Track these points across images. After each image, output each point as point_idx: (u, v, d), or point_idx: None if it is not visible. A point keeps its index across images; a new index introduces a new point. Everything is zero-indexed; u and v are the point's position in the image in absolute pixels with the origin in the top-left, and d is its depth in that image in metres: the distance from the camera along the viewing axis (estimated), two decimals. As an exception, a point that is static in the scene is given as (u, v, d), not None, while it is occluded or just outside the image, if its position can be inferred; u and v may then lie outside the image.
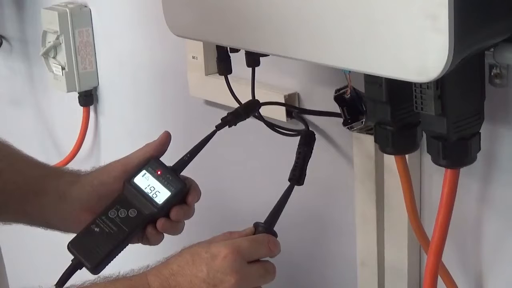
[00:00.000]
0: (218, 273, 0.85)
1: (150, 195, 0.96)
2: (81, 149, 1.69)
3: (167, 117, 1.46)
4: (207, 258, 0.86)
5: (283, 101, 1.16)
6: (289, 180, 0.97)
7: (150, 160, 0.99)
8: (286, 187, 0.96)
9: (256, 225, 0.93)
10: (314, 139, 1.02)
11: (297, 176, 0.97)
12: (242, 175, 1.34)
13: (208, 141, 1.00)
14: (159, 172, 0.97)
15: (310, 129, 1.07)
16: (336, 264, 1.21)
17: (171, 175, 0.97)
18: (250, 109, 1.06)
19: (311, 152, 1.00)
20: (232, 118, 1.03)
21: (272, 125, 1.15)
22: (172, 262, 0.88)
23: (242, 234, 0.91)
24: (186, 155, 1.00)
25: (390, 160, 1.00)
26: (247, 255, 0.88)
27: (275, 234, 0.93)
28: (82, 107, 1.65)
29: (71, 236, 0.98)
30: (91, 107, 1.66)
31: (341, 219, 1.18)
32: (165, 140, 1.01)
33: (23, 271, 1.48)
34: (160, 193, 0.96)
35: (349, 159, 1.13)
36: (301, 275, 1.29)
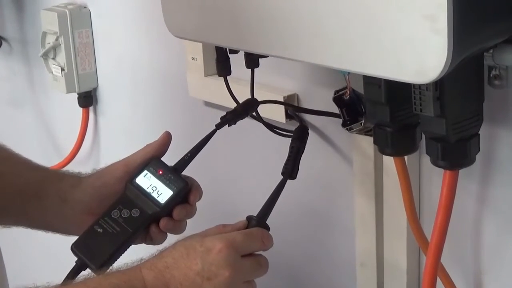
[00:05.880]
0: (212, 266, 0.86)
1: (153, 194, 0.97)
2: (80, 150, 1.69)
3: (166, 118, 1.46)
4: (202, 251, 0.87)
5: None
6: (282, 174, 0.98)
7: (151, 160, 0.99)
8: (279, 181, 0.96)
9: (249, 218, 0.94)
10: (307, 133, 1.03)
11: (290, 170, 0.98)
12: (243, 175, 1.34)
13: (208, 140, 1.01)
14: (160, 172, 0.98)
15: (309, 130, 1.07)
16: (335, 264, 1.21)
17: (173, 175, 0.97)
18: (249, 107, 1.06)
19: (304, 147, 1.01)
20: (232, 117, 1.03)
21: (272, 126, 1.15)
22: (167, 255, 0.88)
23: (235, 227, 0.92)
24: (186, 154, 1.00)
25: (389, 162, 1.00)
26: (241, 249, 0.88)
27: (267, 228, 0.93)
28: (81, 108, 1.65)
29: (73, 238, 0.98)
30: (91, 108, 1.66)
31: (340, 220, 1.18)
32: (166, 140, 1.01)
33: (25, 274, 1.48)
34: (163, 193, 0.97)
35: (348, 161, 1.13)
36: (300, 276, 1.29)
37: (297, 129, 1.04)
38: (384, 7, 0.72)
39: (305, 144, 1.01)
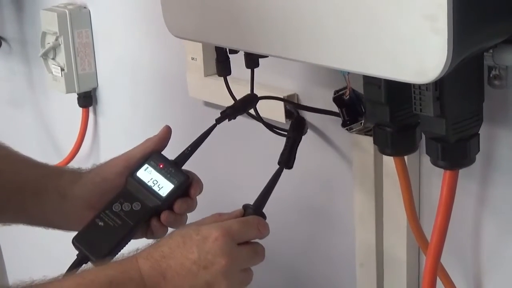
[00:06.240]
0: (208, 255, 0.86)
1: (154, 188, 0.97)
2: (80, 150, 1.69)
3: (166, 118, 1.46)
4: (198, 240, 0.87)
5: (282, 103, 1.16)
6: (278, 163, 0.98)
7: (152, 154, 0.99)
8: (275, 170, 0.97)
9: (245, 207, 0.94)
10: (304, 124, 1.03)
11: (285, 159, 0.98)
12: (242, 175, 1.34)
13: (208, 134, 1.01)
14: (161, 166, 0.98)
15: (309, 130, 1.07)
16: (335, 264, 1.21)
17: (174, 168, 0.98)
18: (248, 102, 1.07)
19: (301, 137, 1.01)
20: (232, 112, 1.03)
21: (271, 126, 1.15)
22: (163, 244, 0.88)
23: (232, 216, 0.92)
24: (187, 148, 1.00)
25: (389, 162, 1.00)
26: (237, 237, 0.88)
27: (264, 216, 0.94)
28: (81, 108, 1.65)
29: (73, 234, 0.98)
30: (90, 108, 1.66)
31: (340, 219, 1.18)
32: (166, 135, 1.01)
33: (24, 272, 1.48)
34: (164, 186, 0.97)
35: (348, 161, 1.13)
36: (299, 275, 1.29)
37: (294, 121, 1.05)
38: (384, 7, 0.72)
39: (302, 134, 1.02)
